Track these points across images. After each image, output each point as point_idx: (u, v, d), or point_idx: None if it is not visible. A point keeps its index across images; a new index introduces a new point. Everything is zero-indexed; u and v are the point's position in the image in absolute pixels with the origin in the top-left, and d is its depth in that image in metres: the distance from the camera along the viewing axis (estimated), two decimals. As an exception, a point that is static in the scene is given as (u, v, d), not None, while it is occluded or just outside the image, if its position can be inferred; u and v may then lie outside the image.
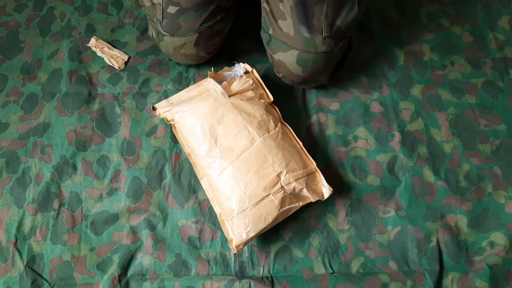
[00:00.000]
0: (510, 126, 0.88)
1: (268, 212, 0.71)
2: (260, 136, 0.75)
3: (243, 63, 0.86)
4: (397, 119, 0.89)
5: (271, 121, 0.79)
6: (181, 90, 0.92)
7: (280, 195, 0.72)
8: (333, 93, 0.92)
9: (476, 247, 0.79)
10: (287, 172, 0.73)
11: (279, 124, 0.80)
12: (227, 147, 0.75)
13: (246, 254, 0.79)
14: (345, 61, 0.89)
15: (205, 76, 0.91)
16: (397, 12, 1.02)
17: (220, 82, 0.82)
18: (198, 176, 0.79)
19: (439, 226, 0.80)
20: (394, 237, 0.79)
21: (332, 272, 0.77)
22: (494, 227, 0.80)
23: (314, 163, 0.78)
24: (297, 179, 0.73)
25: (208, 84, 0.82)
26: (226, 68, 0.87)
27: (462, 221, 0.80)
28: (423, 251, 0.78)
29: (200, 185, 0.82)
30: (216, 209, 0.75)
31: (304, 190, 0.74)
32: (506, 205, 0.82)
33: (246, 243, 0.72)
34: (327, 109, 0.90)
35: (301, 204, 0.74)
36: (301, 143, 0.80)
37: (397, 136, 0.87)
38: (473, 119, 0.89)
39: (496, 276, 0.76)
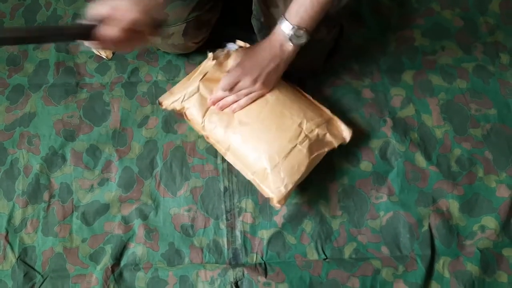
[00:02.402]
0: (501, 111, 0.89)
1: (300, 162, 0.73)
2: (272, 96, 0.76)
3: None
4: (388, 105, 0.89)
5: (278, 81, 0.79)
6: (171, 79, 0.91)
7: (306, 143, 0.74)
8: (324, 80, 0.91)
9: (467, 231, 0.80)
10: (307, 121, 0.75)
11: (284, 83, 0.81)
12: (245, 115, 0.75)
13: (239, 241, 0.79)
14: (337, 49, 0.89)
15: (195, 65, 0.90)
16: (387, -3, 1.01)
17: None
18: (221, 153, 0.78)
19: (431, 211, 0.80)
20: (386, 223, 0.80)
21: (325, 257, 0.77)
22: (485, 211, 0.81)
23: (329, 111, 0.80)
24: (319, 126, 0.76)
25: (211, 62, 0.81)
26: (219, 50, 0.86)
27: (454, 206, 0.81)
28: (415, 236, 0.79)
29: (192, 172, 0.82)
30: (248, 176, 0.76)
31: (328, 135, 0.76)
32: (497, 189, 0.82)
33: (286, 197, 0.73)
34: (319, 96, 0.89)
35: (326, 150, 0.77)
36: (310, 97, 0.82)
37: (389, 121, 0.87)
38: (464, 104, 0.89)
39: (487, 260, 0.77)
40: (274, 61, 0.71)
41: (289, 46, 0.70)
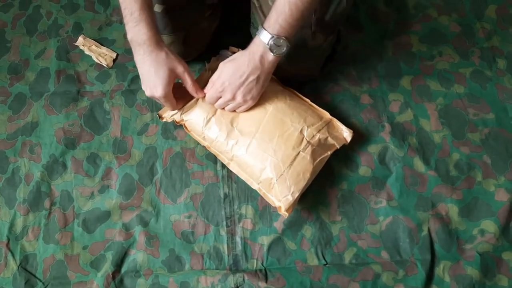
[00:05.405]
0: (499, 115, 0.89)
1: (305, 169, 0.74)
2: (271, 104, 0.77)
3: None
4: (386, 110, 0.90)
5: (275, 88, 0.80)
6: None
7: (309, 149, 0.75)
8: (323, 86, 0.92)
9: (467, 235, 0.80)
10: (308, 127, 0.76)
11: (281, 88, 0.81)
12: (245, 125, 0.76)
13: (239, 247, 0.79)
14: (335, 55, 0.90)
15: (195, 73, 0.91)
16: (384, 4, 1.02)
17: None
18: (225, 163, 0.79)
19: (430, 215, 0.81)
20: (386, 227, 0.80)
21: (325, 263, 0.78)
22: (484, 215, 0.81)
23: (327, 113, 0.81)
24: (319, 130, 0.77)
25: (208, 73, 0.81)
26: (213, 59, 0.86)
27: (453, 210, 0.81)
28: (415, 240, 0.79)
29: (192, 179, 0.83)
30: (254, 186, 0.76)
31: (329, 138, 0.77)
32: (495, 193, 0.82)
33: (294, 205, 0.73)
34: (317, 102, 0.90)
35: (329, 153, 0.78)
36: (309, 100, 0.83)
37: (387, 127, 0.88)
38: (462, 109, 0.90)
39: (486, 263, 0.77)
40: (254, 73, 0.69)
41: (270, 56, 0.68)
